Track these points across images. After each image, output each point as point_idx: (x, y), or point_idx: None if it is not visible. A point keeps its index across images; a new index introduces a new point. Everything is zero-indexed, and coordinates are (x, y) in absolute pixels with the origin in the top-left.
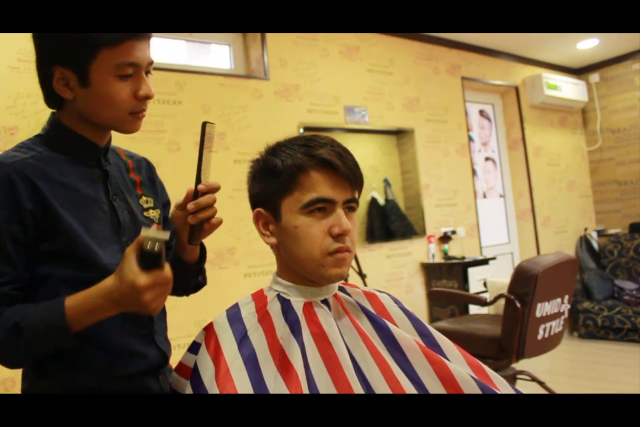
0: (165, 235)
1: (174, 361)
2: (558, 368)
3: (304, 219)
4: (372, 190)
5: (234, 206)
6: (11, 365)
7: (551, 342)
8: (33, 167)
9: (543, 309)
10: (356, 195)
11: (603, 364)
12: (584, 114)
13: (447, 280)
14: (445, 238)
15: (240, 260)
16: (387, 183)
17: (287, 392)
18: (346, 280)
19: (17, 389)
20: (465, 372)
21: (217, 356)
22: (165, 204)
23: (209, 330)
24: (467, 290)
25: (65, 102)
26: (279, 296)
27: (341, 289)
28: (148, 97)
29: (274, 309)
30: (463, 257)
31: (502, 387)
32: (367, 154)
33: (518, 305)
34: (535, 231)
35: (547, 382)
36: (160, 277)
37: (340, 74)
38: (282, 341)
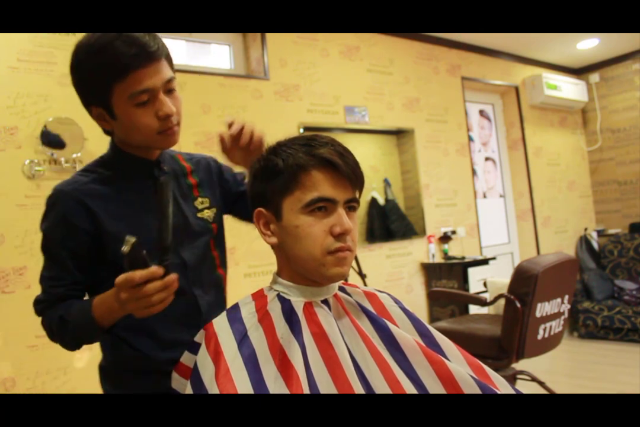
0: (131, 239)
1: None
2: (558, 368)
3: (305, 218)
4: (372, 190)
5: None
6: (67, 348)
7: (551, 342)
8: (88, 190)
9: (543, 309)
10: (357, 195)
11: (603, 364)
12: (584, 114)
13: (447, 280)
14: (445, 238)
15: (240, 260)
16: (387, 183)
17: (287, 392)
18: (346, 280)
19: (17, 389)
20: (465, 372)
21: (217, 355)
22: (242, 193)
23: (208, 330)
24: (467, 290)
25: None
26: (279, 296)
27: (341, 289)
28: (168, 116)
29: (274, 309)
30: (463, 257)
31: (502, 387)
32: (367, 154)
33: (518, 305)
34: (535, 231)
35: (547, 382)
36: (128, 276)
37: (340, 74)
38: (282, 341)
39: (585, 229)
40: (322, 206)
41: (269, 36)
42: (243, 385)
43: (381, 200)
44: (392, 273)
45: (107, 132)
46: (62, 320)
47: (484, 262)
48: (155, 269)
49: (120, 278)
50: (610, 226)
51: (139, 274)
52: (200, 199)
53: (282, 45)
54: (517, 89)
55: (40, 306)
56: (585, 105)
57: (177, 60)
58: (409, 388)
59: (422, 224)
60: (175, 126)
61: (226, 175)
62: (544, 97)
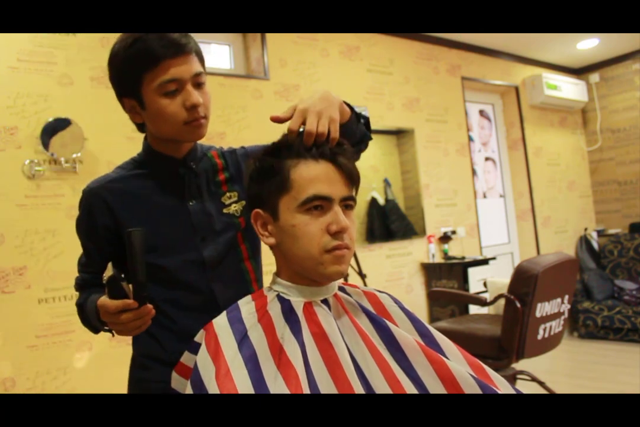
0: (109, 271)
1: None
2: (558, 368)
3: (301, 217)
4: (372, 190)
5: None
6: (90, 331)
7: (551, 342)
8: (111, 188)
9: (543, 309)
10: (353, 193)
11: (603, 364)
12: (584, 114)
13: (447, 280)
14: (445, 238)
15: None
16: (387, 183)
17: (287, 392)
18: (346, 280)
19: (17, 389)
20: (465, 372)
21: (217, 355)
22: None
23: (208, 330)
24: (467, 290)
25: (144, 126)
26: (278, 296)
27: (341, 289)
28: (194, 105)
29: (274, 309)
30: (463, 257)
31: (502, 387)
32: (367, 154)
33: (518, 305)
34: (535, 231)
35: (547, 382)
36: (105, 304)
37: (340, 74)
38: (282, 341)
39: (585, 229)
40: (318, 205)
41: (269, 36)
42: (243, 385)
43: (381, 201)
44: (392, 273)
45: (139, 127)
46: (80, 308)
47: (484, 262)
48: (129, 302)
49: (99, 303)
50: (610, 226)
51: (114, 304)
52: (228, 194)
53: (282, 45)
54: (517, 89)
55: (76, 285)
56: (585, 105)
57: None
58: (409, 388)
59: (422, 224)
60: (202, 118)
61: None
62: (544, 97)
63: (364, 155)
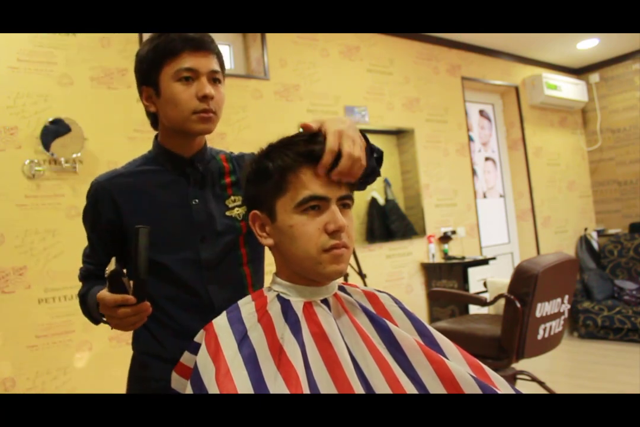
0: (112, 265)
1: None
2: (558, 368)
3: (298, 217)
4: (372, 191)
5: None
6: (91, 322)
7: (551, 342)
8: (118, 183)
9: (543, 309)
10: (351, 192)
11: (603, 364)
12: (584, 114)
13: (447, 280)
14: (445, 238)
15: None
16: (387, 183)
17: (287, 392)
18: (346, 280)
19: (17, 389)
20: (465, 371)
21: (217, 355)
22: None
23: (208, 330)
24: (467, 290)
25: (157, 120)
26: (278, 297)
27: (341, 288)
28: (206, 96)
29: (274, 309)
30: (463, 257)
31: (501, 387)
32: None
33: (518, 305)
34: (535, 231)
35: (547, 382)
36: (104, 298)
37: (340, 74)
38: (282, 341)
39: (585, 229)
40: (314, 205)
41: (269, 36)
42: (243, 385)
43: (381, 201)
44: (392, 273)
45: (154, 123)
46: (82, 299)
47: (484, 262)
48: (128, 297)
49: (99, 296)
50: (610, 226)
51: (113, 298)
52: (232, 197)
53: (282, 45)
54: (517, 89)
55: (80, 276)
56: (585, 105)
57: None
58: (409, 387)
59: (422, 224)
60: (212, 112)
61: None
62: (544, 97)
63: None
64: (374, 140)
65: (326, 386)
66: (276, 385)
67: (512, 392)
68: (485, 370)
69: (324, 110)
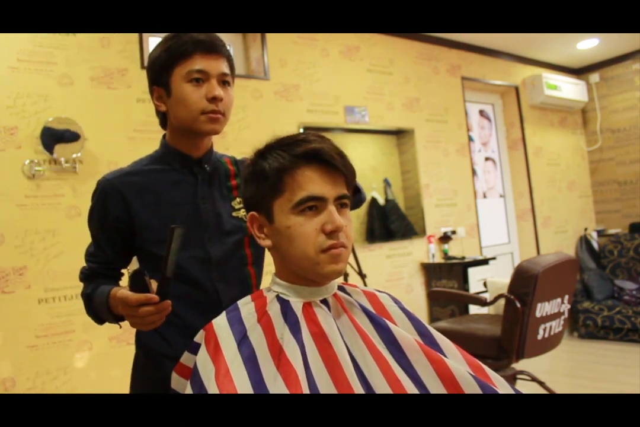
0: (134, 265)
1: None
2: (558, 368)
3: (295, 218)
4: (372, 191)
5: None
6: (95, 322)
7: (551, 342)
8: (127, 181)
9: (543, 309)
10: (348, 191)
11: (603, 364)
12: (584, 114)
13: (447, 280)
14: (445, 238)
15: None
16: (387, 183)
17: (287, 392)
18: (346, 280)
19: (17, 389)
20: (465, 371)
21: (216, 356)
22: None
23: (208, 330)
24: (467, 290)
25: (167, 120)
26: (278, 297)
27: (341, 288)
28: (215, 97)
29: (274, 309)
30: (463, 257)
31: (501, 387)
32: (367, 154)
33: (518, 305)
34: (535, 231)
35: (547, 382)
36: (127, 297)
37: (340, 74)
38: (281, 341)
39: (585, 229)
40: (312, 205)
41: (269, 36)
42: (243, 385)
43: (381, 201)
44: (392, 273)
45: (163, 122)
46: (88, 298)
47: (484, 262)
48: (151, 296)
49: (120, 295)
50: (610, 226)
51: (136, 297)
52: (238, 199)
53: (282, 45)
54: (517, 89)
55: (82, 275)
56: (585, 105)
57: None
58: (409, 387)
59: (422, 224)
60: (220, 113)
61: None
62: (544, 97)
63: (363, 156)
64: (374, 140)
65: (326, 386)
66: (276, 385)
67: (512, 392)
68: (485, 370)
69: (324, 110)
